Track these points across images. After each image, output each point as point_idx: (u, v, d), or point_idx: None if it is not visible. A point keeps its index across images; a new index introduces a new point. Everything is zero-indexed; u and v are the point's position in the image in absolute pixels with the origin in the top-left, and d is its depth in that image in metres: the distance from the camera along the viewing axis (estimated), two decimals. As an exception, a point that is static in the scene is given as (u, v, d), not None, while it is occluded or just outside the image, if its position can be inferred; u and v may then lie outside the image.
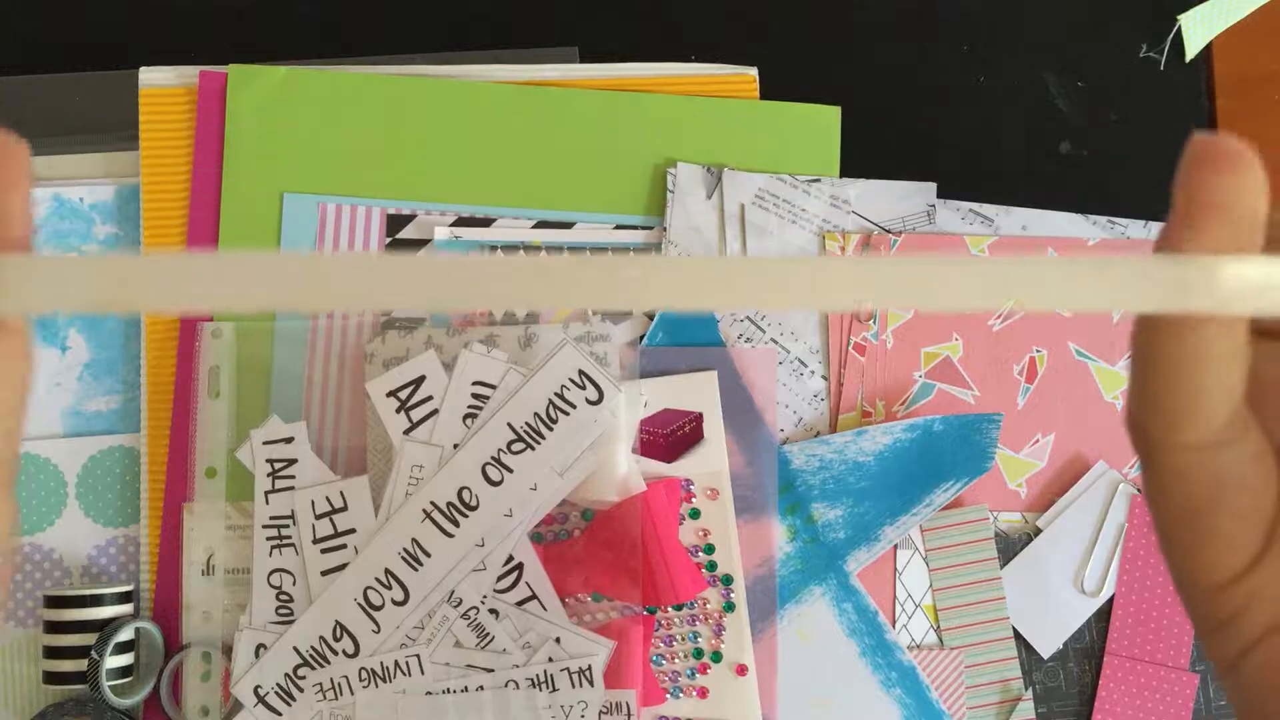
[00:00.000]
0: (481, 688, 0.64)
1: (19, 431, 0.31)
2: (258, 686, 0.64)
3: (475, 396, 0.66)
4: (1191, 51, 0.74)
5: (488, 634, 0.64)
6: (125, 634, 0.64)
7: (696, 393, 0.68)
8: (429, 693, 0.64)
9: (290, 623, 0.65)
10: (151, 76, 0.70)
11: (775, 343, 0.70)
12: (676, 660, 0.66)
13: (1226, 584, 0.27)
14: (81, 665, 0.63)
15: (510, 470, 0.66)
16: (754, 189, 0.71)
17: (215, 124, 0.70)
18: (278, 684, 0.64)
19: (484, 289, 0.27)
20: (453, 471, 0.65)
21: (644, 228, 0.71)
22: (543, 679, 0.64)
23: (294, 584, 0.65)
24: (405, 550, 0.65)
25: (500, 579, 0.65)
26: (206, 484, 0.67)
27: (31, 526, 0.68)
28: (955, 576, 0.69)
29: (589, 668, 0.64)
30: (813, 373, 0.70)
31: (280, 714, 0.64)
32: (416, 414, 0.65)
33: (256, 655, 0.65)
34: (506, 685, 0.64)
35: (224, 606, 0.66)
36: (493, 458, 0.66)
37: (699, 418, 0.68)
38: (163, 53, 0.71)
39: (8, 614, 0.68)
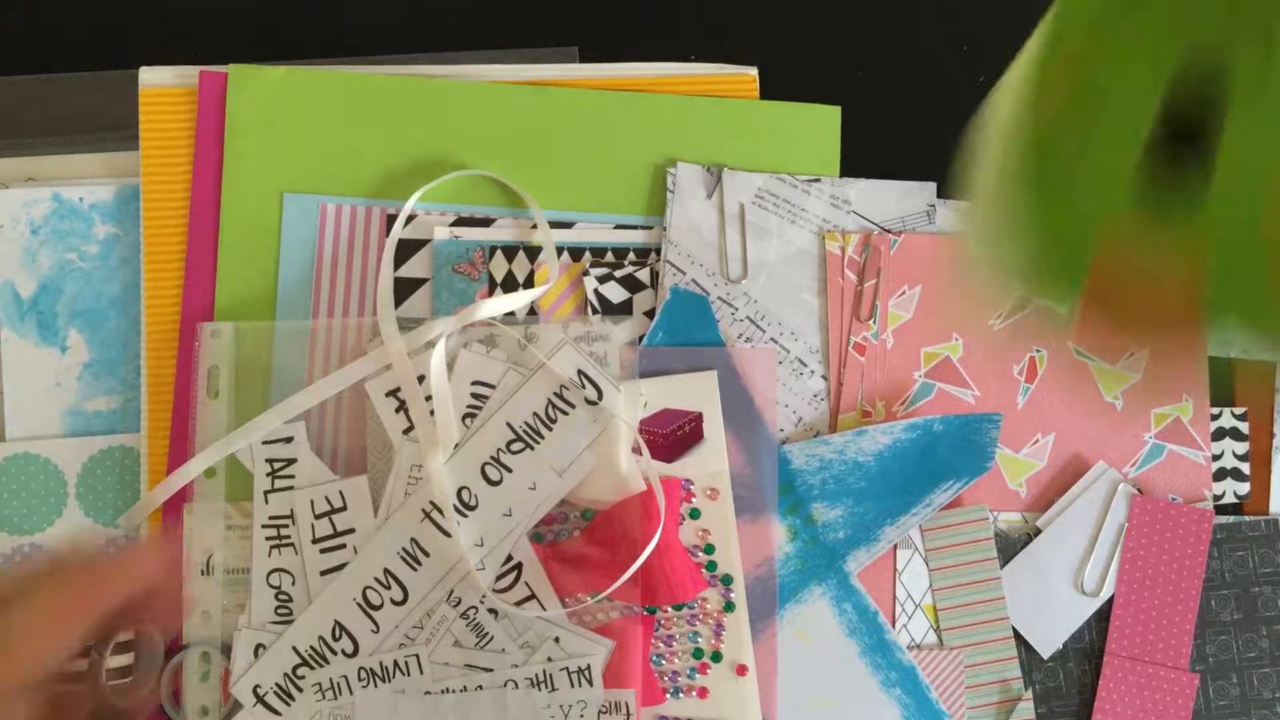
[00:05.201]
0: (480, 687, 0.64)
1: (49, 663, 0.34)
2: (257, 686, 0.64)
3: (475, 396, 0.66)
4: None
5: (487, 634, 0.64)
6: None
7: (696, 393, 0.68)
8: (428, 692, 0.64)
9: (289, 622, 0.65)
10: (151, 76, 0.70)
11: (775, 342, 0.70)
12: (676, 660, 0.66)
13: None
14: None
15: (510, 470, 0.66)
16: (754, 189, 0.71)
17: (215, 124, 0.70)
18: (277, 684, 0.64)
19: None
20: (452, 471, 0.65)
21: (644, 228, 0.71)
22: (541, 678, 0.64)
23: (293, 584, 0.65)
24: (404, 550, 0.65)
25: (499, 579, 0.65)
26: (206, 484, 0.67)
27: (31, 526, 0.68)
28: (955, 576, 0.69)
29: (588, 667, 0.64)
30: (813, 373, 0.70)
31: (279, 714, 0.64)
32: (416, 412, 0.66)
33: (256, 655, 0.65)
34: (505, 685, 0.64)
35: (224, 606, 0.66)
36: (492, 458, 0.66)
37: (699, 418, 0.68)
38: (163, 53, 0.71)
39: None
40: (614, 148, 0.71)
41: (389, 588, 0.65)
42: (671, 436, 0.67)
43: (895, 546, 0.69)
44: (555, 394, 0.66)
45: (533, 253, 0.70)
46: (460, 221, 0.70)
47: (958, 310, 0.70)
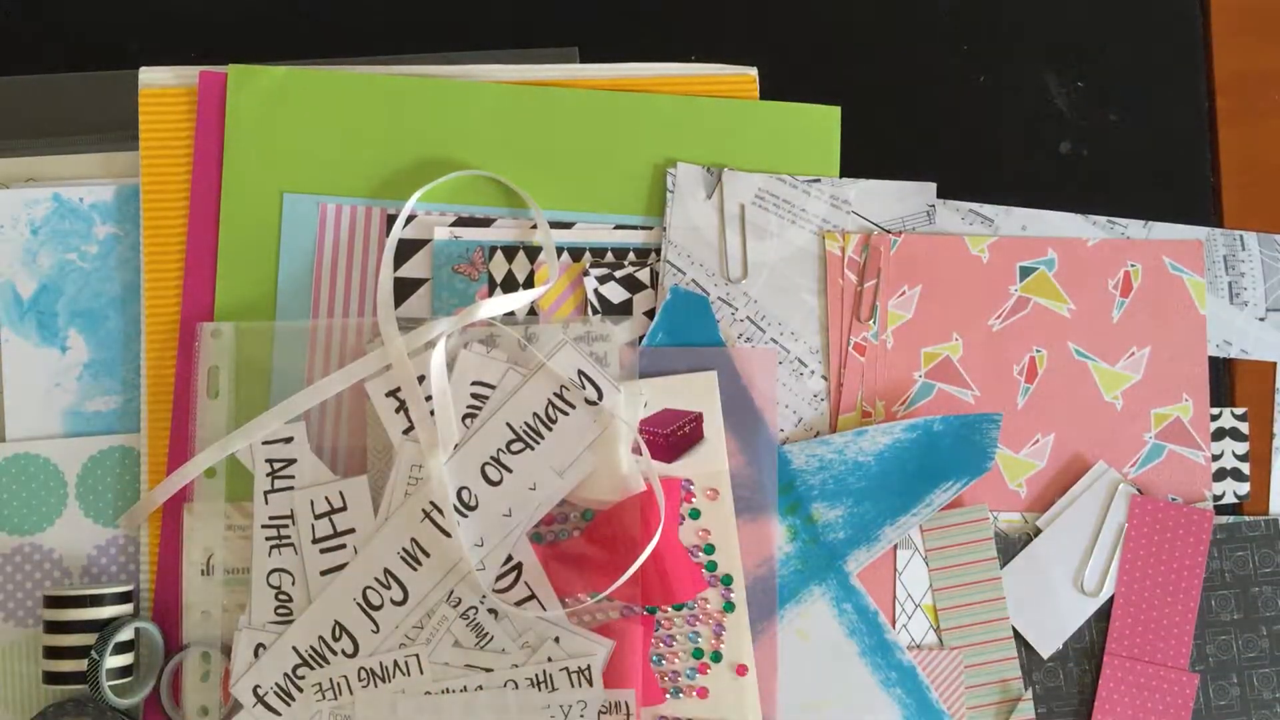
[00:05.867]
0: (480, 687, 0.64)
1: None
2: (257, 686, 0.64)
3: (475, 396, 0.66)
4: None
5: (487, 634, 0.64)
6: (125, 634, 0.64)
7: (696, 393, 0.68)
8: (428, 692, 0.64)
9: (289, 623, 0.65)
10: (151, 76, 0.70)
11: (775, 342, 0.70)
12: (676, 660, 0.66)
13: None
14: (81, 665, 0.63)
15: (510, 470, 0.66)
16: (754, 189, 0.71)
17: (215, 124, 0.70)
18: (277, 684, 0.64)
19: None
20: (452, 471, 0.65)
21: (644, 228, 0.71)
22: (541, 678, 0.64)
23: (293, 584, 0.65)
24: (404, 550, 0.65)
25: (499, 579, 0.65)
26: (206, 484, 0.67)
27: (31, 526, 0.68)
28: (955, 576, 0.69)
29: (588, 667, 0.64)
30: (813, 373, 0.70)
31: (279, 714, 0.64)
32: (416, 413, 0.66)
33: (256, 655, 0.65)
34: (505, 685, 0.64)
35: (224, 606, 0.66)
36: (492, 458, 0.66)
37: (699, 418, 0.68)
38: (163, 53, 0.71)
39: (8, 614, 0.68)
40: (614, 148, 0.71)
41: (389, 588, 0.65)
42: (671, 436, 0.67)
43: (895, 546, 0.69)
44: (555, 394, 0.66)
45: (533, 253, 0.70)
46: (460, 221, 0.70)
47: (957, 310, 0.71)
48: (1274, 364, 0.72)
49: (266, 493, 0.66)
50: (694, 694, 0.66)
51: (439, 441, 0.65)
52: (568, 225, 0.70)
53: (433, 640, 0.64)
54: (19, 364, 0.69)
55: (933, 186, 0.72)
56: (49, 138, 0.71)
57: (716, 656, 0.66)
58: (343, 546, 0.65)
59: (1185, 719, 0.68)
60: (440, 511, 0.65)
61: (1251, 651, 0.69)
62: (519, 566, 0.65)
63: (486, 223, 0.70)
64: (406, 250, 0.70)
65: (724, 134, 0.71)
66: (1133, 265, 0.71)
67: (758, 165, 0.71)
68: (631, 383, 0.67)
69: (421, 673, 0.64)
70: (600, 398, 0.66)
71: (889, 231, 0.71)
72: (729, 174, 0.71)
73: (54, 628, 0.64)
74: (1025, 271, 0.71)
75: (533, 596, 0.65)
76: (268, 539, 0.66)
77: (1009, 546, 0.69)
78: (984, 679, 0.68)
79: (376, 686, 0.64)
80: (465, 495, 0.65)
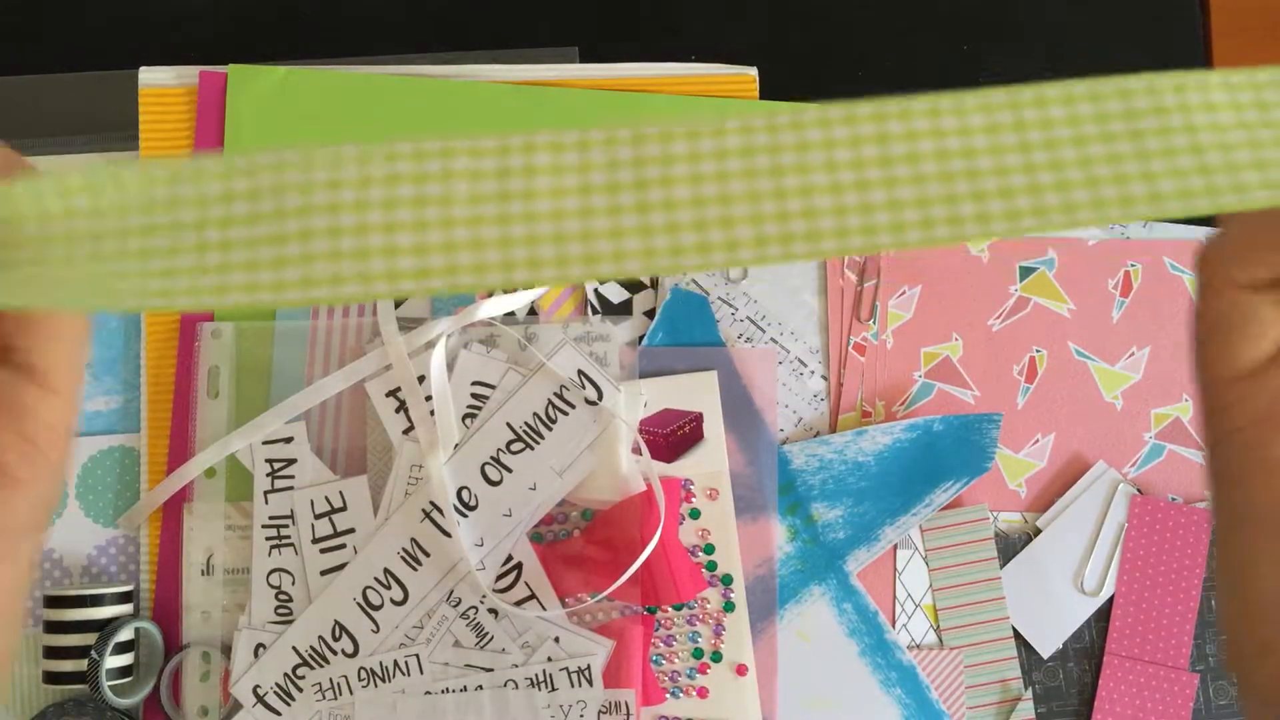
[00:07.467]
0: (480, 687, 0.64)
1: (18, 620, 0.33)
2: (257, 686, 0.64)
3: (475, 396, 0.66)
4: None
5: (487, 633, 0.64)
6: (125, 634, 0.64)
7: (696, 393, 0.68)
8: (428, 692, 0.64)
9: (289, 623, 0.65)
10: (151, 76, 0.70)
11: (775, 343, 0.70)
12: (676, 660, 0.66)
13: (1228, 380, 0.34)
14: (81, 665, 0.63)
15: (509, 470, 0.66)
16: (754, 189, 0.71)
17: (215, 124, 0.70)
18: (277, 684, 0.64)
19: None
20: (452, 471, 0.65)
21: (644, 228, 0.70)
22: (542, 678, 0.64)
23: (293, 584, 0.65)
24: (404, 550, 0.65)
25: (499, 579, 0.65)
26: (206, 484, 0.67)
27: (31, 526, 0.68)
28: (955, 576, 0.69)
29: (588, 667, 0.64)
30: (813, 373, 0.70)
31: (279, 714, 0.64)
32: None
33: (256, 655, 0.65)
34: (505, 685, 0.64)
35: (223, 606, 0.66)
36: (492, 458, 0.66)
37: (699, 418, 0.68)
38: (163, 53, 0.71)
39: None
40: (614, 148, 0.71)
41: (389, 588, 0.65)
42: (671, 436, 0.67)
43: (895, 546, 0.69)
44: (555, 394, 0.66)
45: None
46: (460, 221, 0.70)
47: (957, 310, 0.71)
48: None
49: (266, 493, 0.66)
50: (694, 694, 0.66)
51: (439, 441, 0.65)
52: (568, 225, 0.70)
53: (433, 640, 0.64)
54: (19, 364, 0.69)
55: (933, 186, 0.72)
56: (49, 138, 0.71)
57: (716, 656, 0.66)
58: (343, 546, 0.65)
59: (1185, 719, 0.68)
60: (440, 511, 0.65)
61: (1251, 651, 0.69)
62: (519, 566, 0.65)
63: (486, 223, 0.70)
64: (406, 250, 0.69)
65: (724, 134, 0.71)
66: (1133, 265, 0.71)
67: (758, 165, 0.71)
68: (631, 383, 0.67)
69: (421, 673, 0.64)
70: (600, 398, 0.66)
71: (889, 231, 0.71)
72: (729, 174, 0.71)
73: (54, 628, 0.64)
74: (1025, 271, 0.71)
75: (533, 596, 0.65)
76: (268, 539, 0.66)
77: (1009, 546, 0.69)
78: (984, 679, 0.68)
79: (376, 686, 0.64)
80: (465, 495, 0.65)
